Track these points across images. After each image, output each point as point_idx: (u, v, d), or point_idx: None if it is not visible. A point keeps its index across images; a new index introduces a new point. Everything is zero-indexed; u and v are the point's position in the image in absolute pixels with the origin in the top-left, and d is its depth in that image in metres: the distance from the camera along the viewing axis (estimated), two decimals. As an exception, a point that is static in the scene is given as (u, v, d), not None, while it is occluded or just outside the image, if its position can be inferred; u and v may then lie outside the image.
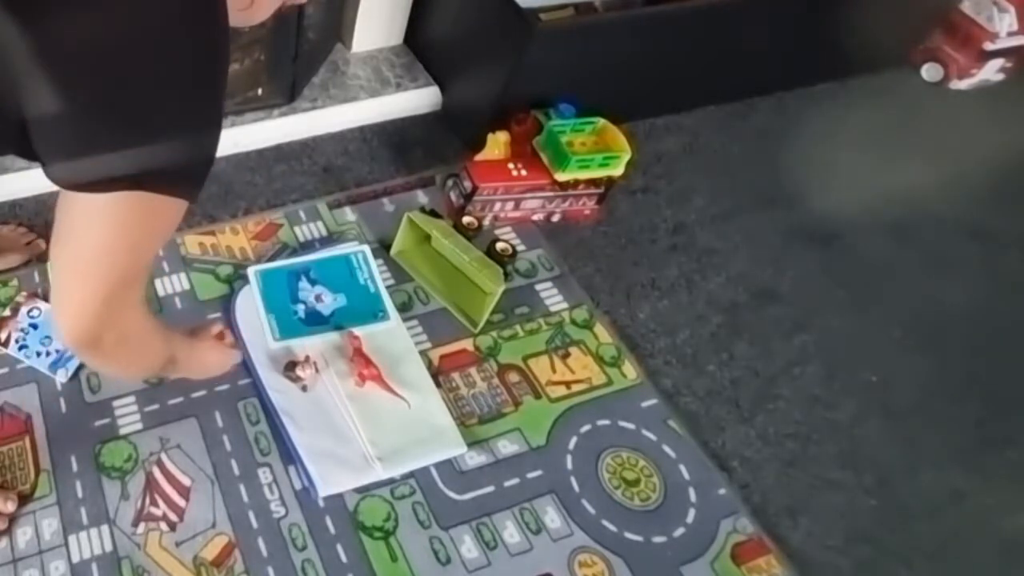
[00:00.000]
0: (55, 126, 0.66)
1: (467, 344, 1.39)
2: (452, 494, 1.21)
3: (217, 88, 0.70)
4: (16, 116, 0.66)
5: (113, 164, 0.66)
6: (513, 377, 1.36)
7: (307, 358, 1.30)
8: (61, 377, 1.26)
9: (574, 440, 1.29)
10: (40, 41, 0.61)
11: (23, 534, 1.13)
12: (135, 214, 0.70)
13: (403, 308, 1.42)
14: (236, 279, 1.43)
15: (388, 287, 1.44)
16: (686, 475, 1.26)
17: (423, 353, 1.36)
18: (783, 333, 1.49)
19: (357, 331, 1.35)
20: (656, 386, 1.37)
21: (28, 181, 1.51)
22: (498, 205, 1.54)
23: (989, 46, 1.95)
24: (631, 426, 1.31)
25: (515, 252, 1.49)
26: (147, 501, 1.17)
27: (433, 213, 1.50)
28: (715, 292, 1.54)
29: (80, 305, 0.76)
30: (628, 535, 1.19)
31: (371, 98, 1.78)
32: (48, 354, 1.28)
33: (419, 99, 1.82)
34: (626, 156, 1.53)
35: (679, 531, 1.20)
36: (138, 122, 0.65)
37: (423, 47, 1.88)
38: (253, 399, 1.29)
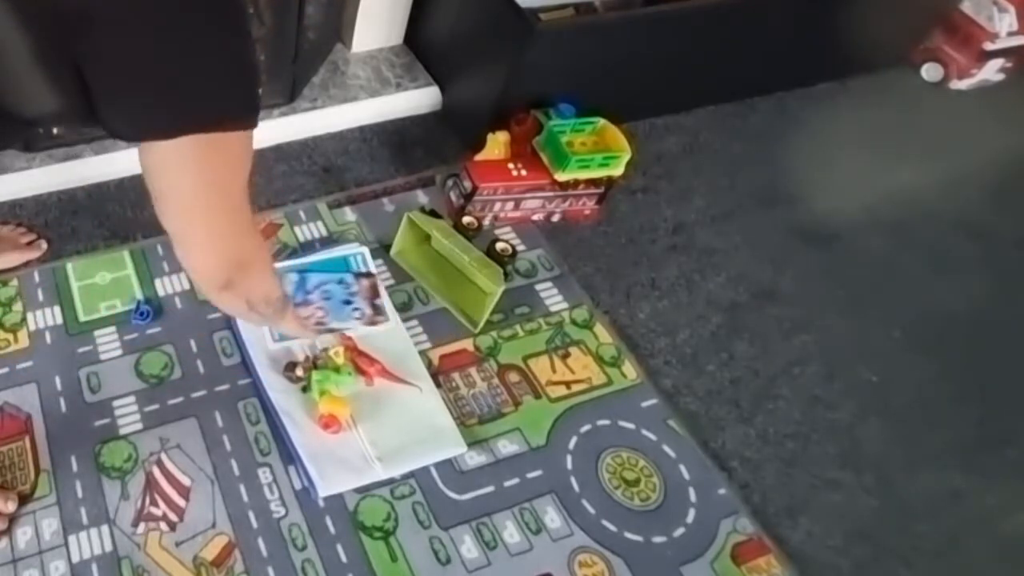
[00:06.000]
0: (113, 82, 0.68)
1: (467, 344, 1.39)
2: (452, 494, 1.21)
3: (248, 23, 0.74)
4: (75, 80, 0.68)
5: (176, 110, 0.69)
6: (513, 377, 1.36)
7: (307, 358, 1.31)
8: None
9: (574, 440, 1.29)
10: (83, 5, 0.63)
11: (23, 534, 1.13)
12: (213, 152, 0.73)
13: (403, 308, 1.42)
14: (236, 279, 1.43)
15: (388, 287, 1.44)
16: (686, 475, 1.26)
17: (423, 353, 1.36)
18: (783, 333, 1.49)
19: (354, 332, 1.35)
20: (656, 386, 1.37)
21: (28, 181, 1.51)
22: (498, 205, 1.55)
23: (989, 46, 1.95)
24: (631, 426, 1.31)
25: (515, 252, 1.49)
26: (147, 501, 1.17)
27: (433, 213, 1.50)
28: (715, 292, 1.54)
29: (202, 246, 0.81)
30: (628, 535, 1.19)
31: (371, 98, 1.78)
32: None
33: (419, 99, 1.82)
34: (626, 156, 1.53)
35: (679, 531, 1.20)
36: (188, 66, 0.69)
37: (423, 47, 1.88)
38: (253, 399, 1.29)
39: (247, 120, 0.75)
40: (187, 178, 0.75)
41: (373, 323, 1.34)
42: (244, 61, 0.75)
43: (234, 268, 0.86)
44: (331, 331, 1.32)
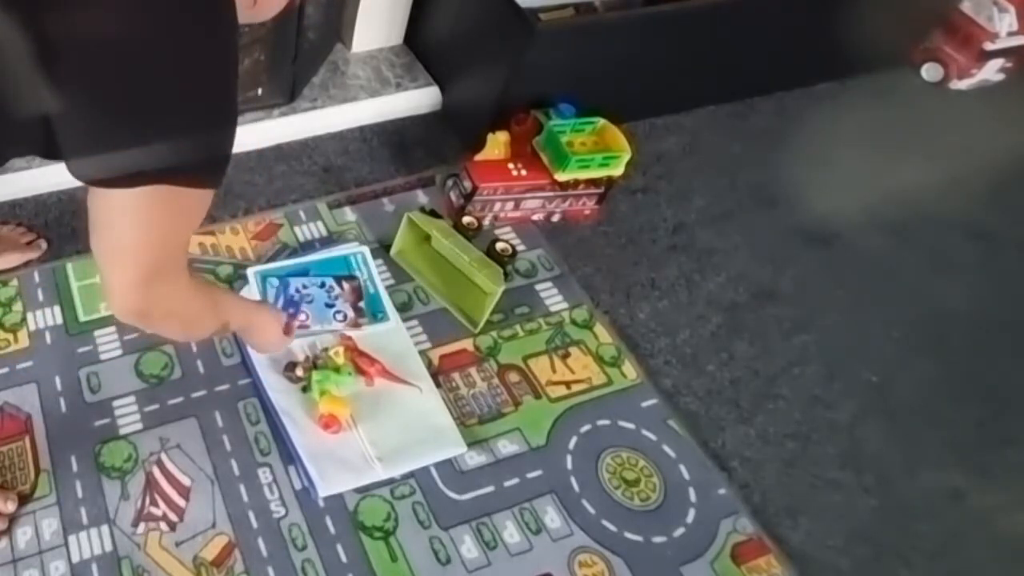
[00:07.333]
0: (75, 124, 0.66)
1: (467, 344, 1.39)
2: (452, 494, 1.21)
3: (230, 79, 0.71)
4: (39, 116, 0.66)
5: (135, 160, 0.67)
6: (513, 377, 1.36)
7: (307, 358, 1.31)
8: None
9: (574, 440, 1.29)
10: (53, 39, 0.62)
11: (23, 534, 1.13)
12: (161, 207, 0.71)
13: (403, 308, 1.42)
14: (236, 279, 1.43)
15: (388, 287, 1.44)
16: (686, 475, 1.26)
17: (423, 353, 1.36)
18: (783, 333, 1.49)
19: (354, 332, 1.35)
20: (656, 386, 1.37)
21: (28, 181, 1.50)
22: (498, 205, 1.54)
23: (989, 46, 1.95)
24: (631, 426, 1.31)
25: (515, 252, 1.49)
26: (147, 501, 1.17)
27: (433, 213, 1.50)
28: (715, 292, 1.54)
29: (122, 288, 0.80)
30: (628, 535, 1.19)
31: (371, 98, 1.78)
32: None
33: (419, 99, 1.82)
34: (626, 156, 1.53)
35: (679, 531, 1.20)
36: (155, 117, 0.66)
37: (423, 47, 1.87)
38: (253, 399, 1.29)
39: (209, 180, 0.71)
40: (134, 227, 0.73)
41: (356, 326, 1.34)
42: (222, 118, 0.70)
43: (159, 314, 0.84)
44: None
